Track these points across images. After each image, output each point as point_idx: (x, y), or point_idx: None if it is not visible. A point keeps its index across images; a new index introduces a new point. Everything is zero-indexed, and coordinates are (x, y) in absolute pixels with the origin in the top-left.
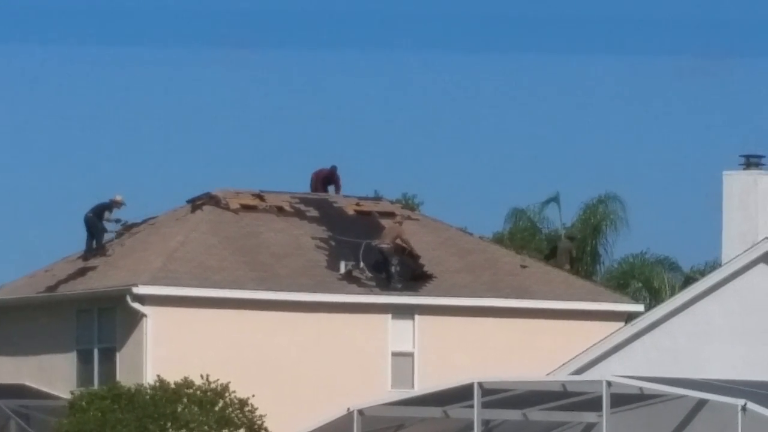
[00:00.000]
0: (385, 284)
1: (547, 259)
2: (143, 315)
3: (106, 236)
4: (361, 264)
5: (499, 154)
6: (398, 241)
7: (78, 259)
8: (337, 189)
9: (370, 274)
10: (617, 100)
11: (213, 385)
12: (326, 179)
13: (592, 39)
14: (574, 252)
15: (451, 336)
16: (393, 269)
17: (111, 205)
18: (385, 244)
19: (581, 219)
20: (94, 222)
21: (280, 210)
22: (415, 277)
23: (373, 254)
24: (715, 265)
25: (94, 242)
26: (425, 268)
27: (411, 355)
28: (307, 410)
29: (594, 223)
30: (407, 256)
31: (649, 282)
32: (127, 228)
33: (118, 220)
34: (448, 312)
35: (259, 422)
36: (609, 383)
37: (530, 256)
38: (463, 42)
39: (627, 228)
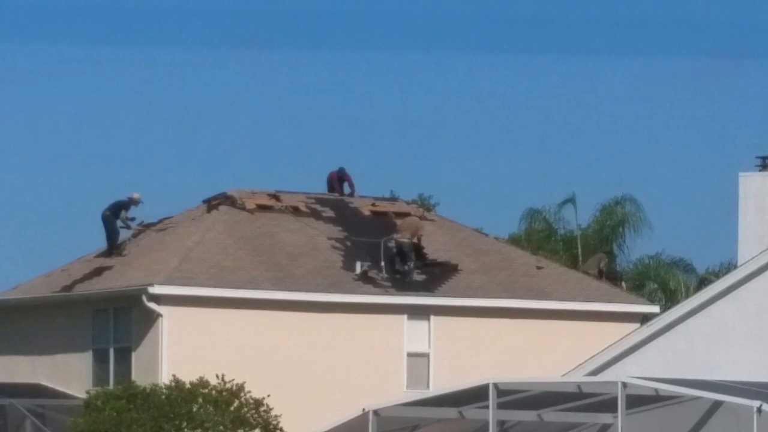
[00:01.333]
0: (402, 280)
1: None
2: (159, 315)
3: (123, 235)
4: (382, 262)
5: (515, 155)
6: (415, 239)
7: (96, 258)
8: (351, 187)
9: (385, 275)
10: (632, 101)
11: (228, 385)
12: (340, 180)
13: (607, 40)
14: (603, 264)
15: (466, 337)
16: (412, 263)
17: (128, 203)
18: (405, 238)
19: (598, 220)
20: (111, 221)
21: (295, 210)
22: (429, 264)
23: (390, 248)
24: (730, 267)
25: (109, 240)
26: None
27: (426, 355)
28: (322, 410)
29: (611, 225)
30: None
31: (665, 283)
32: (143, 228)
33: (133, 219)
34: (463, 313)
35: (274, 422)
36: (624, 384)
37: (546, 257)
38: (478, 43)
39: (650, 229)
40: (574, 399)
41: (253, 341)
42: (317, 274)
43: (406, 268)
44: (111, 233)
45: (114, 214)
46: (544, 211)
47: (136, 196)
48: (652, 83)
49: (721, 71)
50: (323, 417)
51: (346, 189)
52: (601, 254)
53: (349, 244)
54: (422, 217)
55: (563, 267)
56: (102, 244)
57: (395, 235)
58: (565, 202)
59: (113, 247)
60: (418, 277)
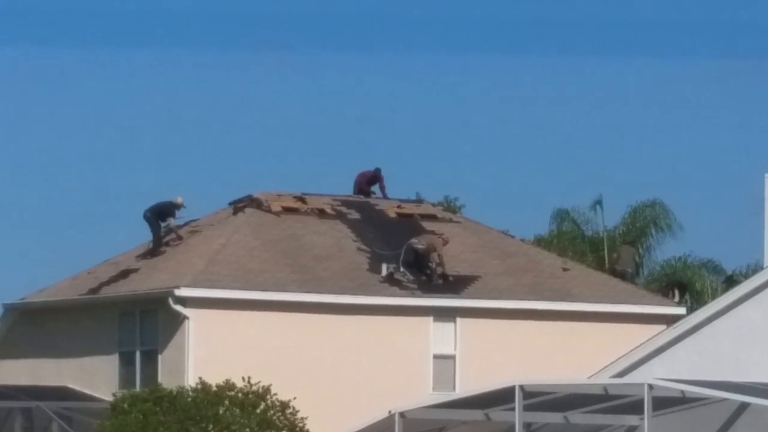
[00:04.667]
0: (426, 283)
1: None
2: (185, 317)
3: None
4: (401, 268)
5: (541, 157)
6: (433, 254)
7: (137, 257)
8: (383, 191)
9: (411, 277)
10: (658, 103)
11: (255, 388)
12: (370, 181)
13: (632, 42)
14: (637, 257)
15: (492, 339)
16: (431, 266)
17: (172, 208)
18: (420, 245)
19: (626, 223)
20: (153, 221)
21: (321, 212)
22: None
23: (408, 253)
24: (757, 268)
25: (152, 241)
26: (464, 273)
27: (452, 357)
28: (348, 413)
29: (641, 227)
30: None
31: (692, 285)
32: (169, 231)
33: (167, 225)
34: (489, 315)
35: (300, 425)
36: (651, 386)
37: (573, 259)
38: (504, 45)
39: (681, 231)
40: (601, 401)
41: (279, 343)
42: (343, 276)
43: (428, 272)
44: (153, 234)
45: (155, 215)
46: (573, 212)
47: (179, 200)
48: (677, 84)
49: (746, 72)
50: (349, 419)
51: (377, 192)
52: (631, 248)
53: (374, 246)
54: (449, 220)
55: (589, 269)
56: (127, 246)
57: (413, 241)
58: (594, 204)
59: (158, 246)
60: (438, 280)
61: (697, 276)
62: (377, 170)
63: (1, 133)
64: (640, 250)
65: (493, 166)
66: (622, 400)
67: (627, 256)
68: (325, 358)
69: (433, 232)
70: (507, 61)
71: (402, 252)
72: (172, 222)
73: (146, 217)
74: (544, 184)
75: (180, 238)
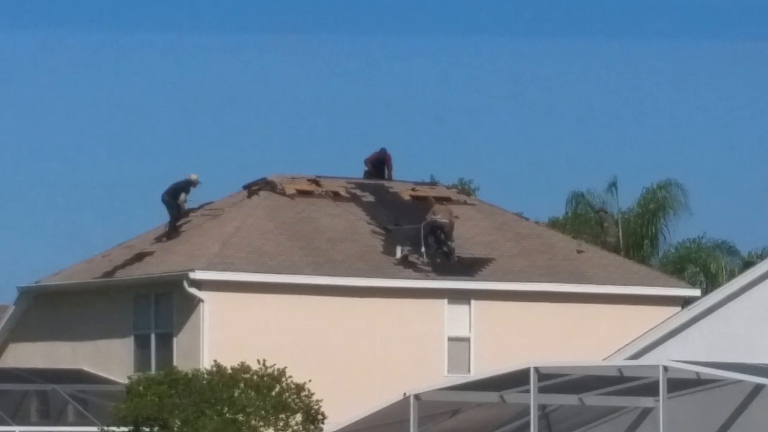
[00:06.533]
0: (446, 261)
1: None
2: (200, 300)
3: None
4: (422, 248)
5: (555, 139)
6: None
7: (155, 239)
8: (389, 170)
9: (426, 259)
10: (674, 84)
11: (270, 370)
12: (377, 164)
13: (647, 23)
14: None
15: (507, 321)
16: (452, 244)
17: (187, 185)
18: (444, 219)
19: (641, 204)
20: (170, 204)
21: (335, 195)
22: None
23: (427, 228)
24: None
25: (169, 223)
26: (478, 255)
27: (467, 339)
28: (363, 395)
29: (654, 209)
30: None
31: (706, 266)
32: (185, 213)
33: (185, 203)
34: (504, 297)
35: (315, 407)
36: (666, 368)
37: (587, 241)
38: (518, 27)
39: (689, 213)
40: (616, 383)
41: (293, 326)
42: (357, 258)
43: (446, 249)
44: (171, 215)
45: (172, 196)
46: (588, 195)
47: (193, 177)
48: (694, 66)
49: (761, 53)
50: (364, 401)
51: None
52: (606, 214)
53: (389, 228)
54: (463, 202)
55: (604, 251)
56: (142, 229)
57: (433, 216)
58: (609, 186)
59: (173, 228)
60: (455, 259)
61: (712, 258)
62: (383, 150)
63: (16, 116)
64: (654, 231)
65: (507, 148)
66: (637, 382)
67: (610, 224)
68: (340, 341)
69: (448, 199)
70: (521, 43)
71: (421, 229)
72: (183, 197)
73: (164, 200)
74: (558, 167)
75: (186, 214)
